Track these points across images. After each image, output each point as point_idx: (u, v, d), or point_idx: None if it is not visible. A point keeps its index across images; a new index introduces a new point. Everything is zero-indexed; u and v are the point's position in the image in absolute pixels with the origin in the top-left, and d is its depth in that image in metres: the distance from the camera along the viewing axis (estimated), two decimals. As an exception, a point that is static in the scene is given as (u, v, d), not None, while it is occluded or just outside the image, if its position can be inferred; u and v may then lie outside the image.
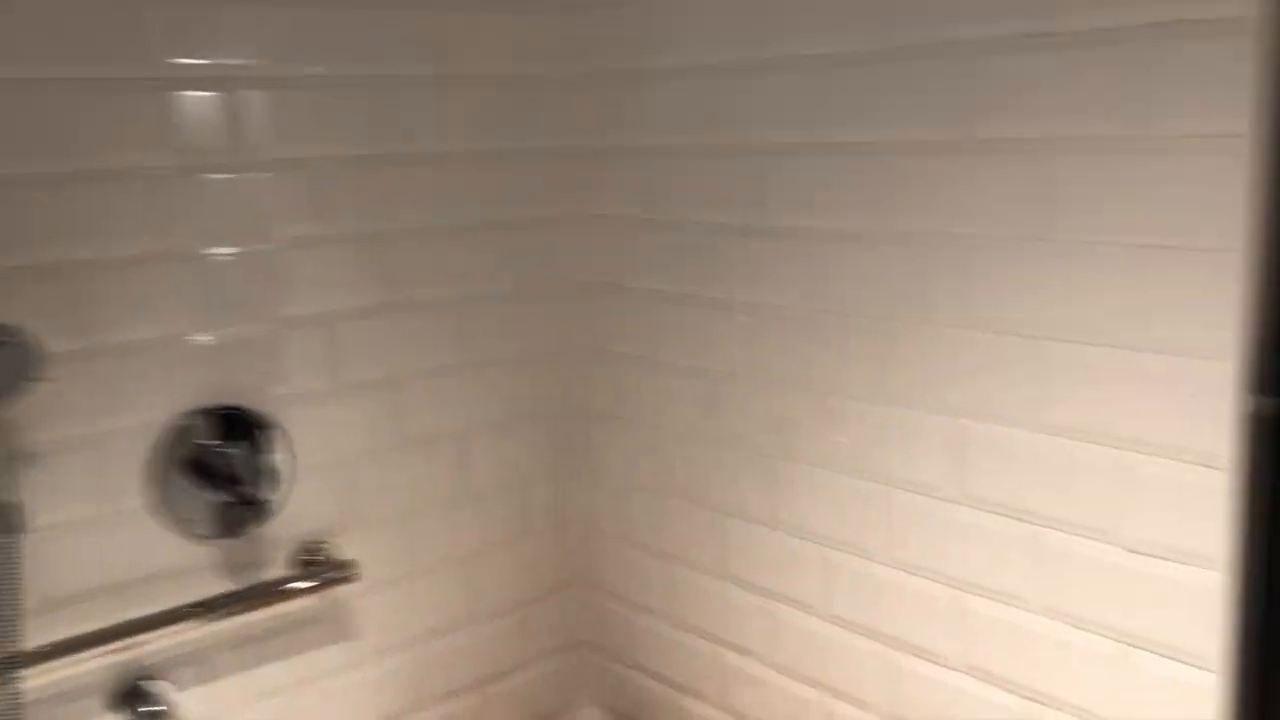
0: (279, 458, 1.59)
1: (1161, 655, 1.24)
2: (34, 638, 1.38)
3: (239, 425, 1.55)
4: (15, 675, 1.29)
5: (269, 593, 1.57)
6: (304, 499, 1.63)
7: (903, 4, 1.35)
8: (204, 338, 1.52)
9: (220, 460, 1.53)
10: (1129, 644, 1.27)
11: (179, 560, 1.53)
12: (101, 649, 1.42)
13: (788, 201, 1.55)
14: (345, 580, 1.62)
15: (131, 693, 1.49)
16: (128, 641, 1.44)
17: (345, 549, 1.68)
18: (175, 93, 1.46)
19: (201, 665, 1.57)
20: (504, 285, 1.82)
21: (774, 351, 1.61)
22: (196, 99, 1.47)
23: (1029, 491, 1.34)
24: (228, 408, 1.54)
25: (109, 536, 1.47)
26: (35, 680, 1.37)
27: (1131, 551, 1.25)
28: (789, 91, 1.51)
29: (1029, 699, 1.38)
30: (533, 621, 1.98)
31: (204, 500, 1.53)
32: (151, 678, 1.51)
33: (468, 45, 1.72)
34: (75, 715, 1.47)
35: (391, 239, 1.68)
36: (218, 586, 1.56)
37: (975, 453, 1.39)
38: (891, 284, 1.44)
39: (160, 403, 1.49)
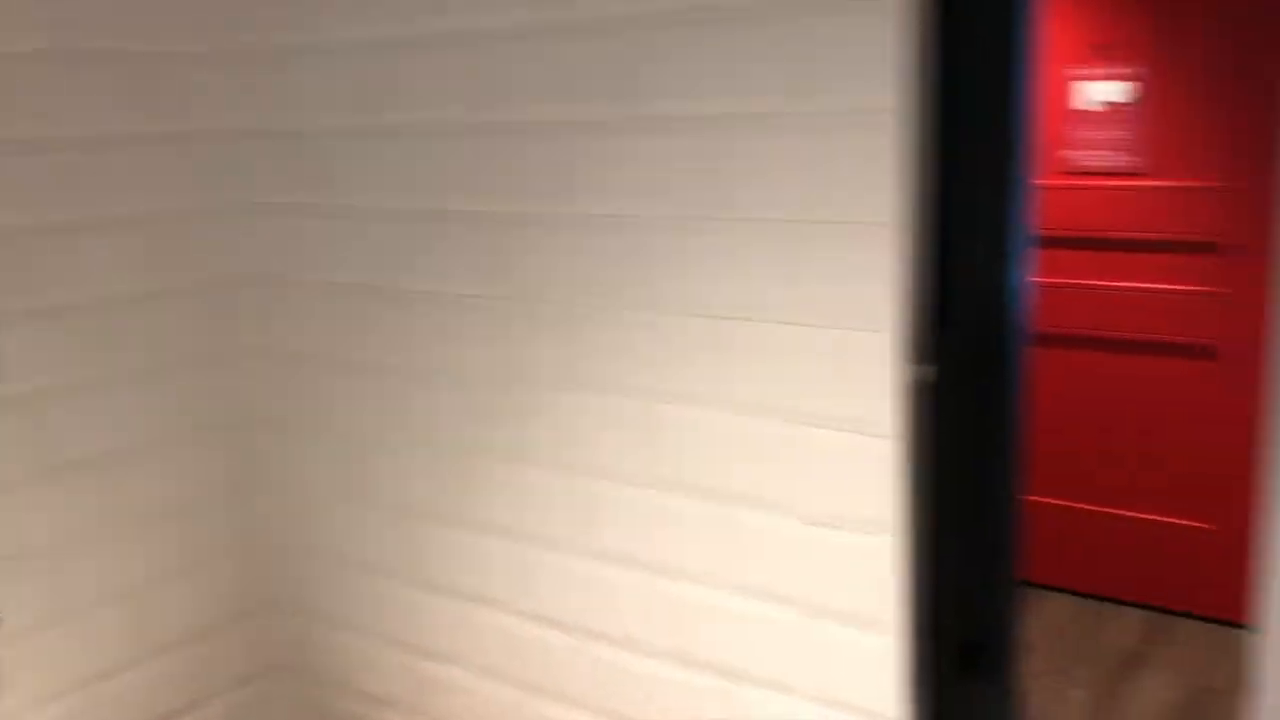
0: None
1: (842, 622, 1.27)
2: None
3: None
4: None
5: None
6: (-78, 539, 1.42)
7: (565, -21, 1.32)
8: None
9: None
10: (811, 614, 1.29)
11: None
12: None
13: (466, 185, 1.48)
14: (-23, 628, 1.42)
15: None
16: None
17: (-21, 592, 1.47)
18: None
19: None
20: (156, 284, 1.65)
21: (463, 344, 1.53)
22: None
23: (716, 471, 1.34)
24: None
25: None
26: None
27: (810, 523, 1.27)
28: (456, 69, 1.44)
29: (724, 677, 1.38)
30: (220, 650, 1.82)
31: None
32: None
33: (93, 18, 1.53)
34: None
35: (19, 236, 1.48)
36: None
37: (666, 436, 1.37)
38: (574, 269, 1.40)
39: None
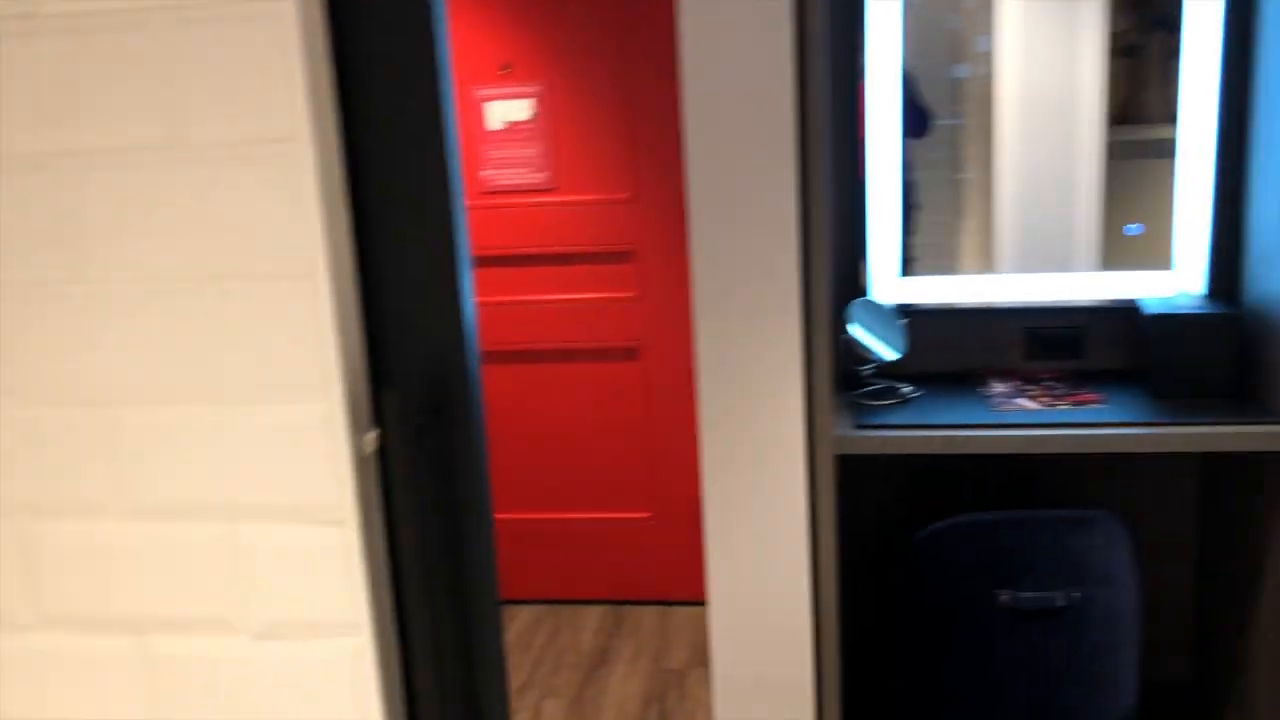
0: None
1: (316, 746, 1.07)
2: None
3: None
4: None
5: None
6: None
7: None
8: None
9: None
10: (278, 745, 1.08)
11: None
12: None
13: None
14: None
15: None
16: None
17: None
18: None
19: None
20: None
21: None
22: None
23: (134, 595, 1.06)
24: None
25: None
26: None
27: (263, 639, 1.05)
28: None
29: (175, 845, 1.12)
30: None
31: None
32: None
33: None
34: None
35: None
36: None
37: (56, 560, 1.07)
38: (-104, 358, 1.05)
39: None
